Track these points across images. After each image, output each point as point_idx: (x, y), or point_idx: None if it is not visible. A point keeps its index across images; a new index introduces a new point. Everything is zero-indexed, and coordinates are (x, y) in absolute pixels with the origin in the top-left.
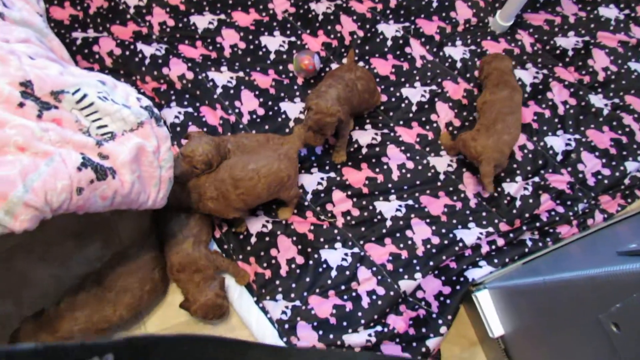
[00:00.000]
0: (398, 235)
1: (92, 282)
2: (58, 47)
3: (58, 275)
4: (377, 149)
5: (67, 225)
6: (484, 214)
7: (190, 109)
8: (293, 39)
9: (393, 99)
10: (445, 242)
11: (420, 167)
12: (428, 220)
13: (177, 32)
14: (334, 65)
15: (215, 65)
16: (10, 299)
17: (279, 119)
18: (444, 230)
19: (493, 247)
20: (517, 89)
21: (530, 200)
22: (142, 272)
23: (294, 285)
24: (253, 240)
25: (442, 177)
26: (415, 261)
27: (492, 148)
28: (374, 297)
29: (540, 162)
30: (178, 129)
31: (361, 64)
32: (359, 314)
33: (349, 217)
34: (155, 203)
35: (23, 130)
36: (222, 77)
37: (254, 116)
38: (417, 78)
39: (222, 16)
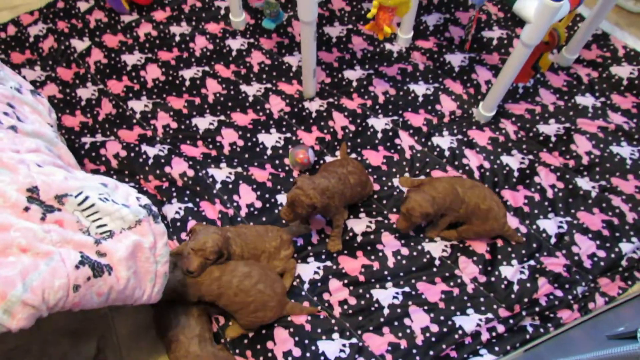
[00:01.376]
0: (396, 323)
1: None
2: (65, 153)
3: None
4: (372, 236)
5: (63, 323)
6: (482, 299)
7: (190, 204)
8: (288, 135)
9: (385, 188)
10: (445, 329)
11: (415, 254)
12: (426, 308)
13: (179, 134)
14: (328, 158)
15: (215, 162)
16: None
17: (276, 211)
18: (442, 318)
19: (493, 334)
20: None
21: (528, 285)
22: None
23: None
24: (250, 334)
25: (437, 262)
26: (414, 351)
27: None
28: None
29: (534, 245)
30: (178, 224)
31: (354, 155)
32: None
33: (346, 306)
34: (150, 298)
35: (26, 233)
36: (221, 173)
37: (252, 209)
38: (407, 168)
39: (222, 117)
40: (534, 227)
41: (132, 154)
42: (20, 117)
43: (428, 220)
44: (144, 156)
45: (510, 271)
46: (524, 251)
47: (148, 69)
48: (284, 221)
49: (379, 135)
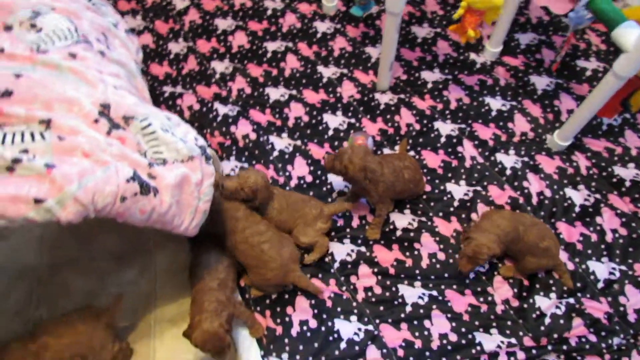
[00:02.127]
0: (416, 323)
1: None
2: (142, 88)
3: (93, 291)
4: (412, 234)
5: (111, 246)
6: (509, 322)
7: (245, 165)
8: (353, 120)
9: (436, 191)
10: (463, 341)
11: (451, 261)
12: (449, 316)
13: (251, 99)
14: (386, 150)
15: (278, 131)
16: (47, 305)
17: (324, 189)
18: (463, 330)
19: (512, 359)
20: None
21: (561, 321)
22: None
23: (301, 347)
24: (274, 295)
25: (472, 275)
26: (427, 353)
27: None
28: None
29: (579, 284)
30: None
31: (412, 153)
32: None
33: (370, 294)
34: (187, 229)
35: (91, 141)
36: (281, 142)
37: (302, 181)
38: (464, 177)
39: (294, 92)
40: (583, 266)
41: (204, 109)
42: (109, 47)
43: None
44: (215, 113)
45: (546, 303)
46: (565, 287)
47: (236, 35)
48: (329, 200)
49: (442, 139)
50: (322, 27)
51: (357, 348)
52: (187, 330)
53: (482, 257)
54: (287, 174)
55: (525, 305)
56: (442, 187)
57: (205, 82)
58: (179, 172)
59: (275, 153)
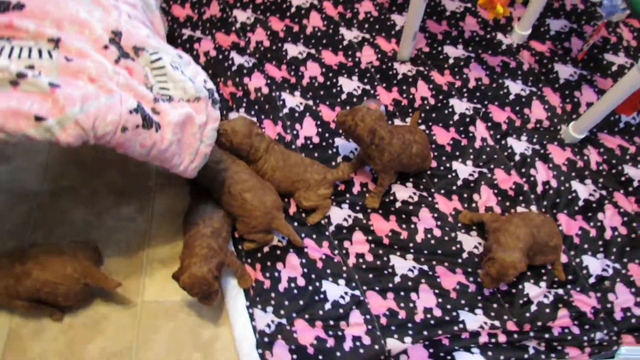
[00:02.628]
0: (402, 294)
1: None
2: (158, 23)
3: (90, 222)
4: (411, 207)
5: (114, 182)
6: (495, 305)
7: (254, 119)
8: (368, 87)
9: (442, 168)
10: (447, 318)
11: (446, 238)
12: (437, 291)
13: (268, 53)
14: (397, 121)
15: (291, 88)
16: (43, 230)
17: (329, 152)
18: (449, 306)
19: (493, 340)
20: None
21: (547, 310)
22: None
23: (286, 303)
24: (266, 249)
25: (465, 255)
26: (410, 324)
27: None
28: (358, 343)
29: (570, 276)
30: None
31: (423, 127)
32: (338, 354)
33: (361, 260)
34: (186, 170)
35: (99, 66)
36: (292, 100)
37: (308, 142)
38: (472, 157)
39: (313, 51)
40: (577, 260)
41: (221, 57)
42: None
43: None
44: (230, 62)
45: (535, 291)
46: (556, 278)
47: None
48: (333, 163)
49: (456, 117)
50: None
51: (341, 310)
52: (176, 272)
53: (509, 278)
54: (295, 132)
55: (514, 291)
56: (447, 165)
57: (225, 29)
58: (184, 111)
59: (286, 110)
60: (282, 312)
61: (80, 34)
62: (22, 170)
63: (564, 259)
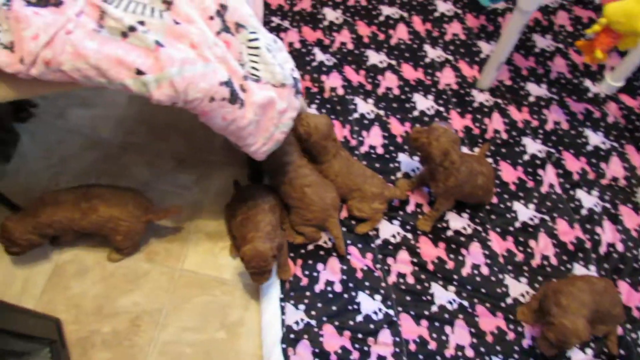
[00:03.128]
0: (437, 324)
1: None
2: (259, 5)
3: (149, 182)
4: (462, 238)
5: (178, 149)
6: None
7: None
8: (442, 109)
9: (502, 205)
10: None
11: (493, 279)
12: (472, 330)
13: (350, 56)
14: (464, 149)
15: (365, 94)
16: (105, 179)
17: (391, 165)
18: (482, 349)
19: None
20: None
21: None
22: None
23: (319, 305)
24: (310, 247)
25: (509, 300)
26: (438, 358)
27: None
28: None
29: (622, 351)
30: None
31: (490, 160)
32: None
33: (401, 280)
34: (257, 152)
35: (202, 35)
36: (365, 106)
37: (372, 151)
38: (535, 201)
39: (393, 62)
40: (634, 335)
41: (303, 50)
42: None
43: None
44: (312, 57)
45: (579, 357)
46: (606, 349)
47: None
48: (393, 177)
49: (526, 157)
50: (443, 7)
51: (372, 326)
52: (238, 241)
53: (570, 346)
54: (361, 139)
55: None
56: (508, 204)
57: (313, 25)
58: (268, 94)
59: (356, 115)
60: (313, 312)
61: (191, 0)
62: (98, 119)
63: (618, 330)
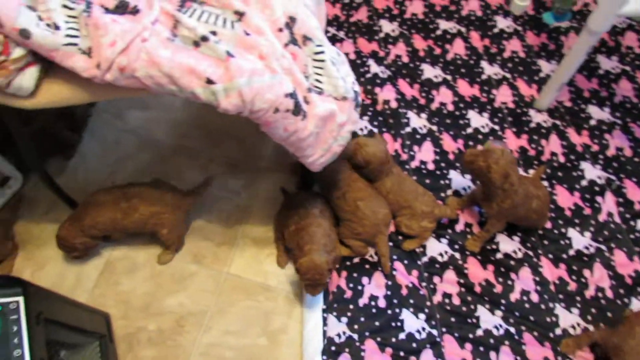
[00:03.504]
0: (481, 349)
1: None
2: (322, 17)
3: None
4: (512, 262)
5: (230, 154)
6: None
7: (376, 130)
8: (497, 127)
9: (555, 231)
10: None
11: (543, 307)
12: (519, 359)
13: (404, 69)
14: (518, 170)
15: (419, 109)
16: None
17: (441, 182)
18: None
19: None
20: None
21: None
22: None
23: (362, 319)
24: (356, 259)
25: (558, 331)
26: None
27: None
28: None
29: None
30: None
31: (545, 184)
32: None
33: (447, 300)
34: (314, 163)
35: (271, 46)
36: (417, 121)
37: (423, 166)
38: (592, 229)
39: (449, 77)
40: None
41: (358, 62)
42: None
43: None
44: (366, 69)
45: None
46: None
47: (414, 2)
48: (443, 195)
49: (584, 182)
50: (503, 23)
51: (414, 345)
52: (295, 251)
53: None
54: (412, 153)
55: None
56: (563, 230)
57: (369, 36)
58: (330, 107)
59: (408, 129)
60: (355, 326)
61: (262, 12)
62: (154, 121)
63: None
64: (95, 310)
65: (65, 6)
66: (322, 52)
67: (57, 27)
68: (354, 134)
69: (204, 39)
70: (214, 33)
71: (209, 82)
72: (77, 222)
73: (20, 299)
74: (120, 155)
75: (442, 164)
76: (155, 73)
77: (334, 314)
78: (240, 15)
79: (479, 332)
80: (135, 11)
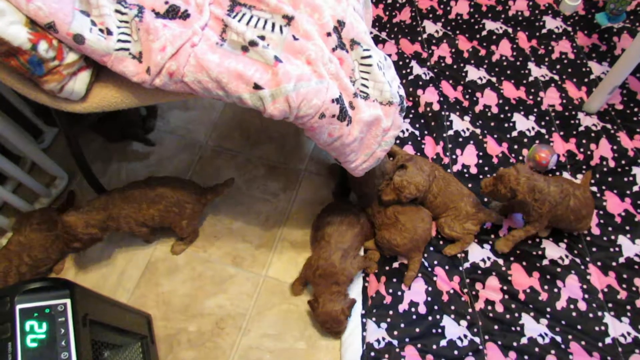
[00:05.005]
0: (526, 358)
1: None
2: (369, 20)
3: (239, 186)
4: (559, 269)
5: (269, 156)
6: None
7: (417, 132)
8: (544, 131)
9: (604, 238)
10: None
11: (591, 316)
12: None
13: (448, 70)
14: (566, 175)
15: (462, 112)
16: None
17: None
18: None
19: None
20: None
21: None
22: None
23: (402, 325)
24: (395, 265)
25: (608, 340)
26: None
27: None
28: None
29: None
30: (398, 141)
31: (594, 189)
32: None
33: (489, 307)
34: (356, 168)
35: (319, 51)
36: (460, 124)
37: (465, 170)
38: None
39: (494, 79)
40: None
41: (401, 63)
42: None
43: None
44: (408, 70)
45: None
46: None
47: (460, 3)
48: (485, 200)
49: (635, 188)
50: (552, 23)
51: (456, 352)
52: (312, 302)
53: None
54: (454, 157)
55: None
56: (612, 237)
57: (411, 37)
58: (375, 112)
59: (451, 132)
60: (395, 332)
61: (311, 16)
62: (195, 122)
63: None
64: (137, 311)
65: (118, 11)
66: (369, 57)
67: (109, 32)
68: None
69: (253, 43)
70: (262, 38)
71: (257, 87)
72: (99, 211)
73: (68, 302)
74: (161, 156)
75: (486, 168)
76: (204, 78)
77: (373, 319)
78: (289, 19)
79: (524, 341)
80: (185, 16)
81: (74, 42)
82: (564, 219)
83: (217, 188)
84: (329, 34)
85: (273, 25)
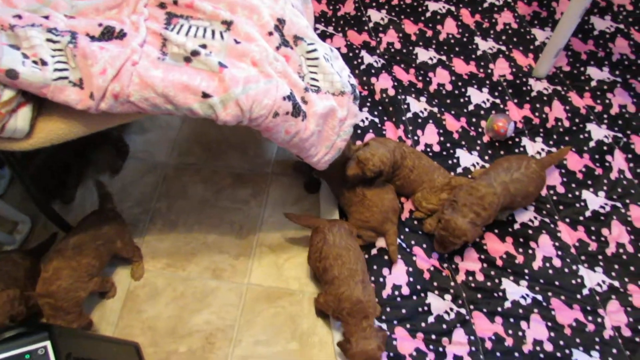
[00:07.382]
0: (512, 320)
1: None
2: (310, 15)
3: (208, 199)
4: (530, 231)
5: (233, 164)
6: (614, 350)
7: (377, 120)
8: (498, 101)
9: (569, 195)
10: (558, 354)
11: (566, 270)
12: (549, 324)
13: (398, 55)
14: (525, 140)
15: (417, 93)
16: (165, 202)
17: (449, 162)
18: (562, 343)
19: None
20: None
21: None
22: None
23: (388, 309)
24: (373, 251)
25: (585, 291)
26: (516, 354)
27: None
28: None
29: None
30: (359, 131)
31: (553, 149)
32: None
33: (470, 278)
34: (319, 162)
35: (262, 52)
36: (417, 105)
37: (428, 149)
38: (605, 188)
39: (444, 57)
40: None
41: (351, 55)
42: None
43: None
44: (360, 61)
45: None
46: None
47: None
48: (452, 173)
49: (592, 143)
50: None
51: (444, 326)
52: (343, 343)
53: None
54: (416, 138)
55: (638, 339)
56: (577, 193)
57: (358, 28)
58: (329, 103)
59: (409, 114)
60: (383, 317)
61: (250, 18)
62: (154, 143)
63: None
64: (124, 342)
65: (49, 40)
66: (314, 50)
67: (44, 63)
68: (356, 128)
69: (195, 53)
70: (204, 46)
71: (205, 96)
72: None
73: (48, 343)
74: (125, 182)
75: (448, 144)
76: (150, 95)
77: None
78: (228, 24)
79: (507, 305)
80: (122, 35)
81: (8, 78)
82: (513, 203)
83: (103, 200)
84: (270, 33)
85: (213, 32)
